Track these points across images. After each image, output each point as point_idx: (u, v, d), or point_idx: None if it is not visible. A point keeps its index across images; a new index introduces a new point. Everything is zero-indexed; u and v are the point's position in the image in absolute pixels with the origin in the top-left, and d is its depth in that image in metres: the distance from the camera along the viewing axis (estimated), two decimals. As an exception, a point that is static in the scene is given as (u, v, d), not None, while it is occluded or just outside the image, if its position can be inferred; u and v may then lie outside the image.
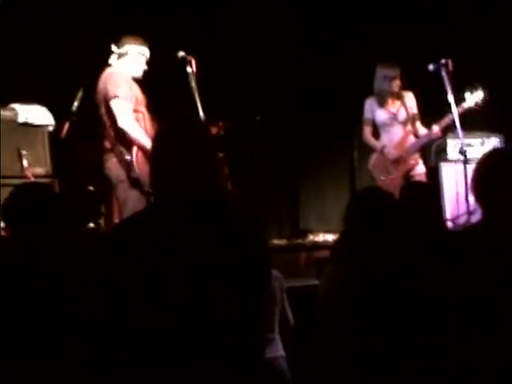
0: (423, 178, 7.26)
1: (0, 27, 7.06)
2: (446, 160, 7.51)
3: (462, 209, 6.90)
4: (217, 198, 2.80)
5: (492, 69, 8.30)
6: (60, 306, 3.19)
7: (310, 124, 8.82)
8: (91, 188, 7.60)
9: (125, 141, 5.99)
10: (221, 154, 7.58)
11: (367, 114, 7.48)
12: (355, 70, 8.57)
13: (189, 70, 6.26)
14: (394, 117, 7.38)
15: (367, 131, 7.52)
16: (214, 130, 7.25)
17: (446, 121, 6.98)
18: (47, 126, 6.71)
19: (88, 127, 7.45)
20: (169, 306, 2.60)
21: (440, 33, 8.43)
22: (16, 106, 6.50)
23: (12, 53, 7.29)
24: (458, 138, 6.78)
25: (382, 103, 7.39)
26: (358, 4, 8.76)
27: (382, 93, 7.35)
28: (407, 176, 7.29)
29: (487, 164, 3.27)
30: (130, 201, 6.03)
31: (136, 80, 6.26)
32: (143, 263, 2.62)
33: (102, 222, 7.48)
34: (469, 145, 7.20)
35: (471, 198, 6.33)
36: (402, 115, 7.37)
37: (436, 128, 7.06)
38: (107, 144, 6.24)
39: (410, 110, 7.37)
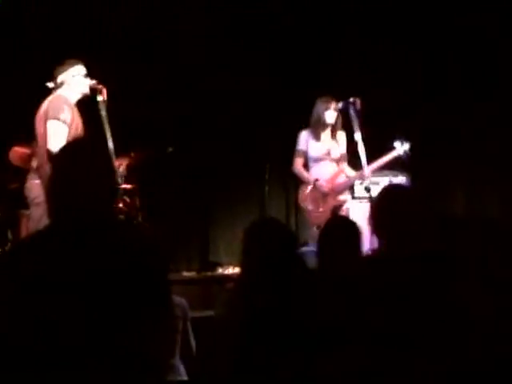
0: (348, 213, 7.41)
1: None
2: (352, 197, 7.62)
3: (367, 245, 7.01)
4: (109, 221, 2.81)
5: (401, 108, 8.52)
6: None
7: (222, 156, 8.90)
8: (-3, 214, 7.53)
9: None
10: (132, 186, 7.60)
11: (301, 146, 7.54)
12: (269, 102, 8.72)
13: (99, 98, 6.24)
14: (328, 152, 7.47)
15: (299, 162, 7.57)
16: (125, 161, 7.27)
17: (378, 163, 7.13)
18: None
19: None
20: (55, 330, 2.59)
21: (353, 71, 8.62)
22: None
23: None
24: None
25: (317, 137, 7.47)
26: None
27: (319, 124, 7.44)
28: (335, 211, 7.39)
29: (382, 198, 3.51)
30: (44, 224, 5.95)
31: (79, 101, 6.24)
32: (31, 285, 2.62)
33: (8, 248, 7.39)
34: (375, 183, 7.33)
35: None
36: (335, 152, 7.49)
37: (367, 170, 7.02)
38: (34, 163, 6.19)
39: (343, 148, 7.49)
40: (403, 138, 7.25)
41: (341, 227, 4.33)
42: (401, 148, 7.22)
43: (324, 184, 7.45)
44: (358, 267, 3.75)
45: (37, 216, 5.90)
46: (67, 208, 2.76)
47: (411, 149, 7.24)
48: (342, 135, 7.51)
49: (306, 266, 3.71)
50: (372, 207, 3.61)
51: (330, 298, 3.43)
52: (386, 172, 7.88)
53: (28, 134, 6.45)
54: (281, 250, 3.45)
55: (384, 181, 7.78)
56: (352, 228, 4.34)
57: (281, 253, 3.44)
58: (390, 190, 3.71)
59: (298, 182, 7.83)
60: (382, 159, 7.21)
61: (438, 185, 8.69)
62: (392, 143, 7.26)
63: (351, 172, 7.51)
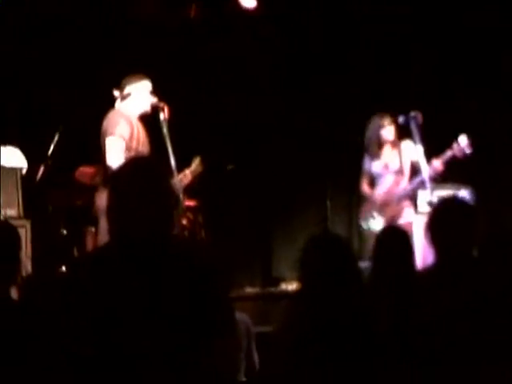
0: (409, 227, 7.23)
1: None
2: (416, 211, 7.55)
3: (430, 260, 6.93)
4: (168, 240, 2.83)
5: (464, 124, 8.41)
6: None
7: (284, 172, 8.93)
8: (64, 232, 7.64)
9: None
10: (195, 203, 7.66)
11: (365, 165, 7.53)
12: (328, 120, 8.72)
13: (161, 116, 6.29)
14: (386, 166, 7.41)
15: (364, 182, 7.56)
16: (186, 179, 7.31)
17: (447, 155, 6.96)
18: (20, 168, 6.76)
19: (62, 171, 7.54)
20: (118, 346, 2.63)
21: (412, 85, 8.55)
22: (-11, 147, 6.57)
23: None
24: (427, 189, 6.87)
25: (376, 155, 7.44)
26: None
27: (376, 142, 7.39)
28: (392, 221, 7.24)
29: (439, 211, 3.55)
30: None
31: (142, 118, 6.31)
32: (94, 304, 2.67)
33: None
34: (439, 196, 7.24)
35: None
36: (394, 164, 7.41)
37: (437, 162, 6.94)
38: (101, 178, 6.29)
39: (405, 159, 7.41)
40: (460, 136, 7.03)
41: (391, 239, 4.33)
42: (456, 147, 7.01)
43: (378, 197, 7.40)
44: (411, 281, 3.80)
45: (105, 227, 5.98)
46: (125, 227, 2.79)
47: (470, 144, 7.00)
48: (406, 145, 7.39)
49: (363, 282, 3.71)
50: (429, 219, 3.64)
51: (388, 312, 3.44)
52: (449, 185, 7.82)
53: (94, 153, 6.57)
54: (338, 264, 3.45)
55: (447, 194, 7.71)
56: (403, 238, 4.32)
57: (338, 267, 3.43)
58: (444, 203, 3.81)
59: (361, 198, 7.80)
60: (437, 159, 7.00)
61: (503, 198, 8.56)
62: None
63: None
